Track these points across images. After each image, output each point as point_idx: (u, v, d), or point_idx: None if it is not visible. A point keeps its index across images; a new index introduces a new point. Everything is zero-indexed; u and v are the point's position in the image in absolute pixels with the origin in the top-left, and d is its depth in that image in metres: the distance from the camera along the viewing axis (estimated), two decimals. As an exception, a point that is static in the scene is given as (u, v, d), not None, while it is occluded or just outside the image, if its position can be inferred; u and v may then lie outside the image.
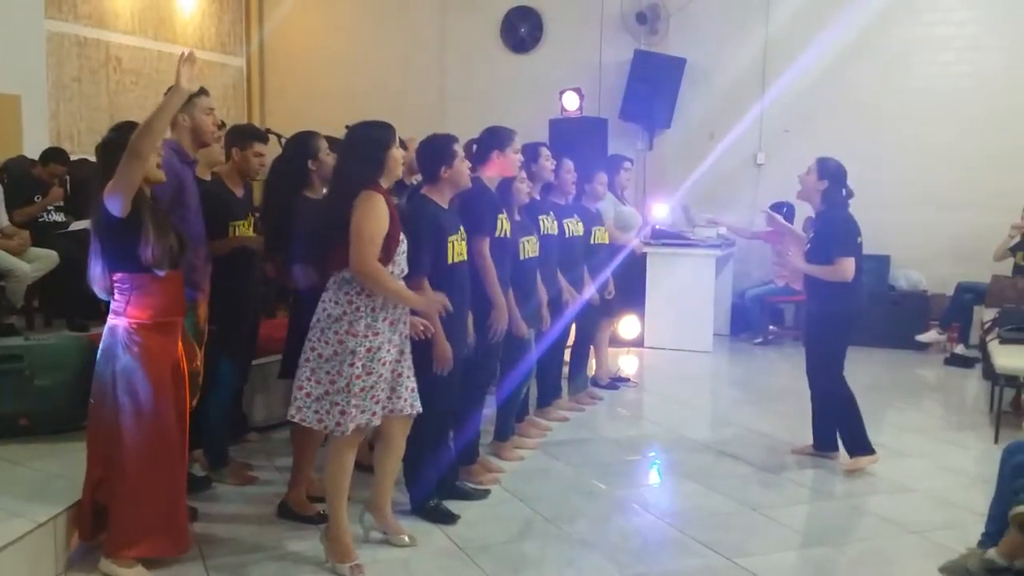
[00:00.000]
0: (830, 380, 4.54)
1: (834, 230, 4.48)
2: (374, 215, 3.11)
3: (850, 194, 4.56)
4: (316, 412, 3.19)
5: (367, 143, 3.23)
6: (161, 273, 3.08)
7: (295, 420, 3.26)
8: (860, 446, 4.53)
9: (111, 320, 3.11)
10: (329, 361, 3.16)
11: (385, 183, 3.24)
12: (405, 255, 3.28)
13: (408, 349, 3.34)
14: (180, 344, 3.25)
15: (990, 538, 3.30)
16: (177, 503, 3.24)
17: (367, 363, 3.15)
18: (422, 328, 3.43)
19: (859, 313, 4.58)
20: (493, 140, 4.16)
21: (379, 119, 3.33)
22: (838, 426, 4.63)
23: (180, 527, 3.25)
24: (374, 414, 3.20)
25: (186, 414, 3.28)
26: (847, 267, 4.41)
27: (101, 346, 3.14)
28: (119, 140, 3.04)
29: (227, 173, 4.18)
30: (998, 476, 3.38)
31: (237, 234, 4.05)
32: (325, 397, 3.16)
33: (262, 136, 4.31)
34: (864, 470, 4.52)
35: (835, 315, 4.50)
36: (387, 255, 3.14)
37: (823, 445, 4.74)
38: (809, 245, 4.61)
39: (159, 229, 3.05)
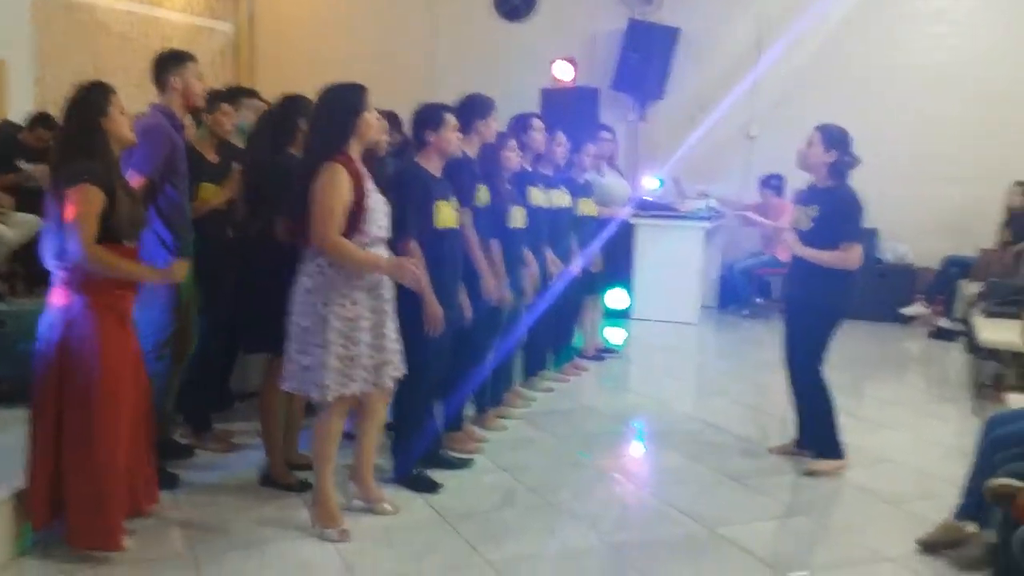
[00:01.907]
0: (809, 374, 4.17)
1: (845, 211, 4.02)
2: (333, 187, 3.07)
3: (856, 161, 4.10)
4: (301, 382, 3.21)
5: (337, 107, 3.18)
6: (130, 244, 3.01)
7: (287, 390, 3.30)
8: (832, 449, 4.19)
9: (67, 293, 2.93)
10: (308, 332, 3.16)
11: (356, 148, 3.20)
12: (386, 219, 3.26)
13: (393, 313, 3.33)
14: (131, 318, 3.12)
15: (966, 509, 3.34)
16: (117, 490, 3.03)
17: (349, 332, 3.16)
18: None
19: (850, 305, 4.15)
20: (474, 109, 4.13)
21: (355, 82, 3.24)
22: (810, 423, 4.28)
23: (135, 492, 3.14)
24: (349, 383, 3.19)
25: (145, 383, 3.21)
26: (855, 254, 3.99)
27: (50, 320, 2.96)
28: (84, 100, 2.97)
29: (199, 137, 4.16)
30: (977, 448, 3.42)
31: (200, 196, 3.99)
32: (314, 367, 3.17)
33: (227, 95, 4.27)
34: (830, 472, 4.14)
35: (825, 308, 4.09)
36: (353, 225, 3.12)
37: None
38: (812, 224, 4.09)
39: (131, 197, 3.00)
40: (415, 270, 3.26)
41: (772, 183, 8.03)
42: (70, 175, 2.87)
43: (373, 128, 3.25)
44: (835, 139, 4.07)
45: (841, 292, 4.06)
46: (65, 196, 2.86)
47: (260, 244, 3.64)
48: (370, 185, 3.21)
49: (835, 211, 4.04)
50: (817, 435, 4.24)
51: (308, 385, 3.19)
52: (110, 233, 2.92)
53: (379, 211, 3.23)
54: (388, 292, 3.30)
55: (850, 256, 3.99)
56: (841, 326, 4.11)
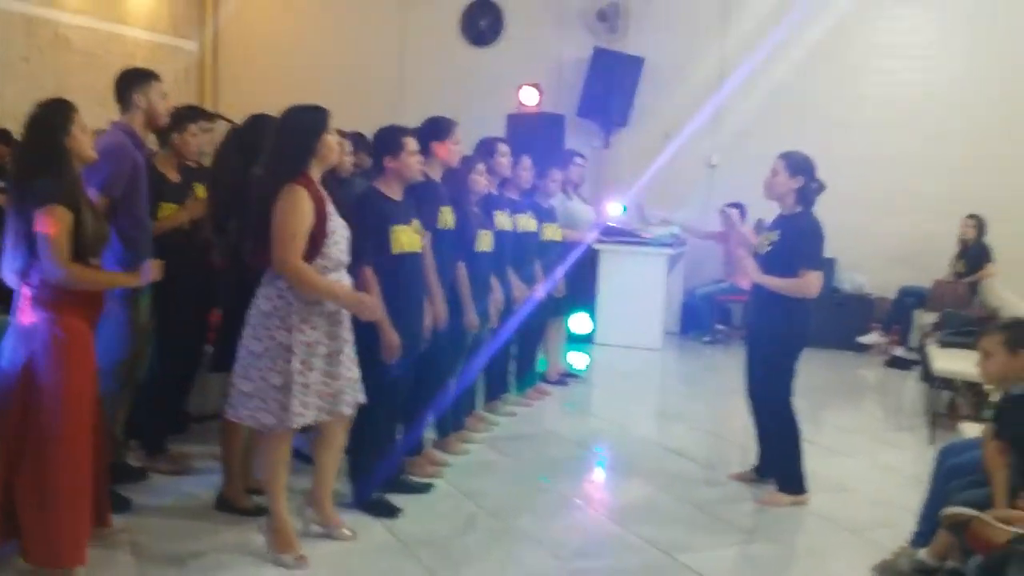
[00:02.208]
0: (777, 405, 4.12)
1: (805, 239, 3.99)
2: (295, 211, 3.02)
3: (821, 187, 4.09)
4: (249, 410, 3.13)
5: (298, 128, 3.14)
6: (95, 261, 2.99)
7: (231, 418, 3.23)
8: (794, 484, 4.14)
9: (31, 311, 2.90)
10: (261, 358, 3.10)
11: (317, 170, 3.16)
12: (346, 243, 3.23)
13: (351, 339, 3.30)
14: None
15: (921, 537, 3.38)
16: (81, 509, 2.98)
17: (306, 358, 3.11)
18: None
19: (808, 333, 4.10)
20: (433, 130, 4.12)
21: (317, 103, 3.21)
22: (779, 458, 4.20)
23: (81, 536, 3.00)
24: (305, 412, 3.13)
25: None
26: (813, 282, 3.95)
27: (14, 338, 2.93)
28: (46, 118, 2.94)
29: (161, 158, 4.10)
30: (932, 477, 3.47)
31: (160, 216, 3.94)
32: (258, 394, 3.10)
33: (195, 116, 4.22)
34: (785, 506, 4.10)
35: (784, 336, 4.04)
36: (314, 249, 3.08)
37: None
38: (770, 248, 4.08)
39: (94, 214, 2.97)
40: (374, 307, 3.24)
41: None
42: (39, 195, 2.86)
43: (334, 151, 3.21)
44: (799, 165, 4.05)
45: (799, 320, 4.02)
46: (34, 216, 2.85)
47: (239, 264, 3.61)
48: (330, 208, 3.18)
49: (794, 237, 4.01)
50: (781, 468, 4.20)
51: (254, 412, 3.10)
52: (76, 252, 2.90)
53: (340, 235, 3.20)
54: (346, 319, 3.26)
55: (806, 283, 3.94)
56: (801, 354, 4.11)
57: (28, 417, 2.91)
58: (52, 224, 2.84)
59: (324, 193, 3.18)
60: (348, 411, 3.31)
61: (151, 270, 3.16)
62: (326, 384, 3.18)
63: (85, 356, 2.99)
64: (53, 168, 2.91)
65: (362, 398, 3.34)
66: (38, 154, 2.93)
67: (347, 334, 3.27)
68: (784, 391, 4.11)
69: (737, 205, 8.10)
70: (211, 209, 3.89)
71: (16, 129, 7.45)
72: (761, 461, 4.38)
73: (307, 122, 3.15)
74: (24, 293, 2.93)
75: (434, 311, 4.04)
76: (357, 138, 4.88)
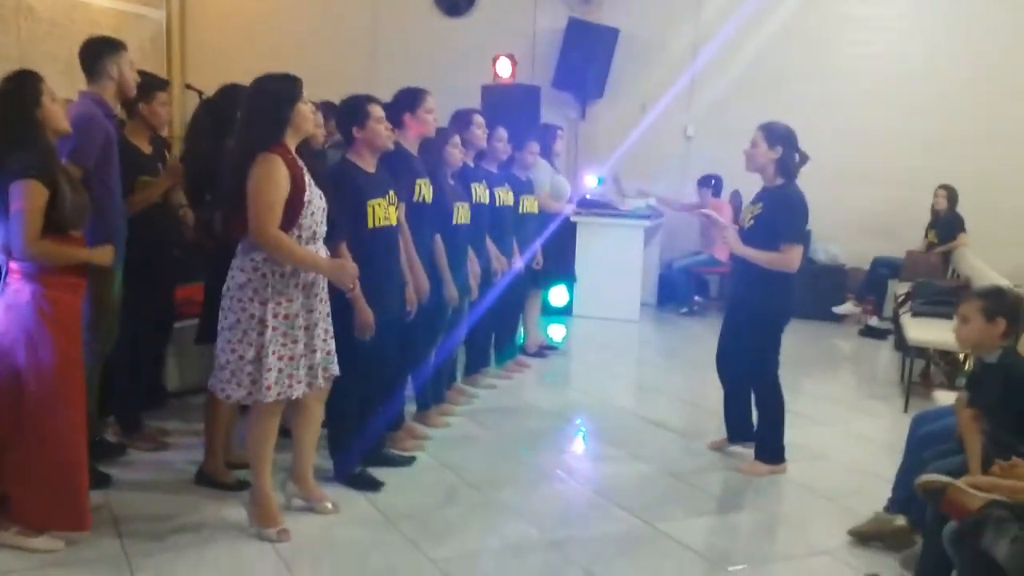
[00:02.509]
0: (764, 377, 4.13)
1: (788, 212, 3.97)
2: (270, 180, 2.97)
3: (804, 159, 4.06)
4: (224, 382, 3.10)
5: (270, 98, 3.07)
6: (76, 234, 2.97)
7: (211, 390, 3.22)
8: (774, 453, 4.17)
9: (16, 283, 2.93)
10: (232, 330, 3.06)
11: (292, 140, 3.10)
12: (322, 214, 3.18)
13: (327, 314, 3.27)
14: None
15: (896, 504, 3.44)
16: (82, 476, 3.07)
17: (286, 330, 3.08)
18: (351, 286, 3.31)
19: (791, 307, 4.12)
20: (403, 102, 4.05)
21: (288, 72, 3.15)
22: (762, 428, 4.22)
23: (83, 501, 3.08)
24: (294, 384, 3.12)
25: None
26: (794, 256, 3.94)
27: (10, 314, 2.94)
28: (16, 92, 2.90)
29: (131, 129, 4.02)
30: (906, 444, 3.52)
31: (138, 190, 3.87)
32: (234, 365, 3.07)
33: (162, 84, 4.14)
34: (763, 475, 4.13)
35: (768, 310, 4.04)
36: (290, 219, 3.03)
37: (739, 435, 4.38)
38: (753, 222, 4.05)
39: (73, 186, 2.92)
40: (355, 273, 3.21)
41: (709, 183, 8.16)
42: (14, 169, 2.83)
43: (308, 119, 3.15)
44: (778, 135, 4.00)
45: (783, 293, 4.02)
46: (7, 190, 2.82)
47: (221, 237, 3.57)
48: (308, 178, 3.12)
49: (777, 210, 3.99)
50: (763, 437, 4.22)
51: (231, 384, 3.08)
52: (56, 225, 2.88)
53: (316, 205, 3.14)
54: (323, 291, 3.23)
55: (788, 257, 3.93)
56: (786, 326, 4.13)
57: (22, 390, 2.92)
58: (23, 198, 2.81)
59: (301, 163, 3.13)
60: (324, 384, 3.29)
61: (102, 253, 3.11)
62: (305, 356, 3.16)
63: (73, 327, 3.00)
64: (27, 141, 2.88)
65: (336, 370, 3.32)
66: (10, 128, 2.89)
67: (323, 307, 3.24)
68: (771, 364, 4.12)
69: (712, 177, 8.15)
70: (187, 182, 3.83)
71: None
72: (728, 427, 4.40)
73: (280, 91, 3.08)
74: (11, 267, 2.93)
75: (415, 283, 4.01)
76: (328, 108, 4.81)
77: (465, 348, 5.30)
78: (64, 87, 3.89)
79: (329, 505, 3.50)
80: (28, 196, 2.81)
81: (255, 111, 3.07)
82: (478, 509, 3.68)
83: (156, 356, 4.51)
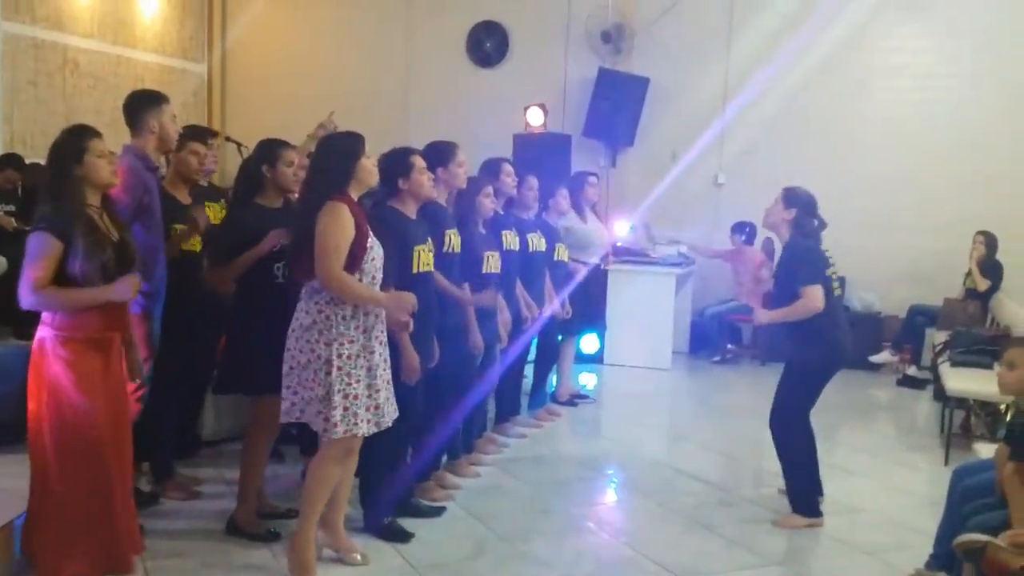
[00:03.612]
0: (781, 425, 4.15)
1: (794, 260, 4.09)
2: (336, 225, 3.13)
3: (822, 225, 4.19)
4: (303, 413, 3.21)
5: (336, 154, 3.27)
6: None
7: (285, 421, 3.30)
8: (810, 507, 4.14)
9: (39, 332, 3.02)
10: (306, 369, 3.17)
11: (355, 192, 3.28)
12: (379, 263, 3.28)
13: (386, 358, 3.33)
14: (122, 360, 3.14)
15: (937, 560, 3.35)
16: (112, 518, 3.08)
17: (350, 370, 3.16)
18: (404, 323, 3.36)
19: (837, 359, 4.12)
20: (434, 157, 4.10)
21: (351, 130, 3.39)
22: (787, 476, 4.21)
23: (118, 543, 3.10)
24: (359, 422, 3.18)
25: (127, 429, 3.19)
26: (814, 296, 3.96)
27: (32, 359, 3.04)
28: (60, 147, 3.00)
29: (169, 179, 4.12)
30: (947, 498, 3.43)
31: (172, 238, 3.95)
32: (310, 403, 3.18)
33: (197, 134, 4.23)
34: (799, 528, 4.09)
35: (809, 360, 4.07)
36: (353, 263, 3.16)
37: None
38: (773, 283, 4.23)
39: (93, 244, 2.97)
40: (409, 307, 3.27)
41: (744, 230, 8.13)
42: (36, 220, 2.96)
43: (371, 174, 3.34)
44: (795, 198, 4.16)
45: (815, 342, 4.02)
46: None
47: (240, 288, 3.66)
48: (369, 226, 3.26)
49: (786, 264, 4.13)
50: (791, 487, 4.19)
51: (313, 418, 3.19)
52: (70, 278, 2.93)
53: (377, 252, 3.27)
54: (382, 335, 3.31)
55: (806, 302, 3.96)
56: (828, 376, 4.11)
57: (52, 437, 2.97)
58: (30, 248, 2.92)
59: (362, 211, 3.28)
60: (390, 423, 3.35)
61: (129, 286, 3.10)
62: (370, 397, 3.23)
63: (101, 376, 3.02)
64: (55, 195, 2.97)
65: (396, 413, 3.37)
66: (47, 181, 3.00)
67: (382, 349, 3.31)
68: (791, 407, 4.12)
69: (747, 224, 8.12)
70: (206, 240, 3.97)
71: (25, 153, 7.52)
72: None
73: (346, 147, 3.29)
74: (41, 319, 3.01)
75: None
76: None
77: (495, 396, 5.28)
78: (109, 140, 3.99)
79: (359, 556, 3.48)
80: (37, 246, 2.92)
81: (323, 165, 3.27)
82: (507, 561, 3.64)
83: (193, 404, 4.54)
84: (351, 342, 3.17)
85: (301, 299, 3.24)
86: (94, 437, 3.00)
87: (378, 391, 3.26)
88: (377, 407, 3.26)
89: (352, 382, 3.17)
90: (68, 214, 2.96)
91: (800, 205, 4.14)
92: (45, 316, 3.00)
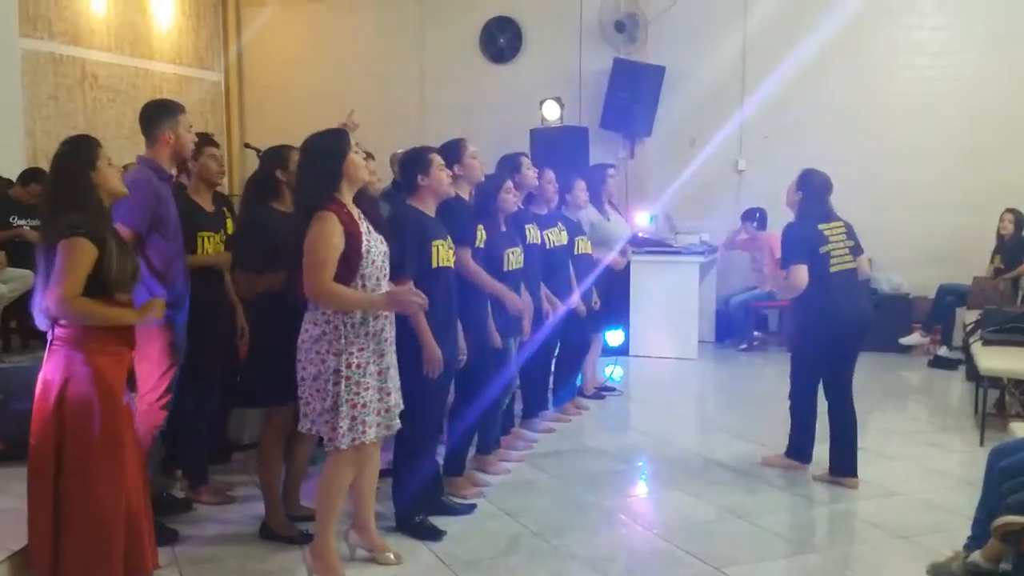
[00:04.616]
0: (790, 382, 4.53)
1: (784, 240, 4.38)
2: (322, 238, 3.07)
3: (824, 212, 4.40)
4: (314, 423, 3.21)
5: (321, 156, 3.19)
6: (123, 297, 2.96)
7: (303, 431, 3.30)
8: (798, 452, 4.60)
9: (59, 349, 2.88)
10: (316, 380, 3.16)
11: (348, 192, 3.21)
12: (383, 259, 3.25)
13: (394, 358, 3.32)
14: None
15: (976, 541, 3.30)
16: (135, 531, 3.00)
17: (358, 379, 3.14)
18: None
19: (835, 327, 4.33)
20: (446, 157, 4.06)
21: (334, 127, 3.31)
22: (793, 429, 4.62)
23: (137, 552, 3.02)
24: (367, 429, 3.17)
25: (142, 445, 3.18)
26: (796, 275, 4.26)
27: (47, 378, 2.90)
28: (72, 154, 2.96)
29: (193, 187, 4.15)
30: (984, 479, 3.38)
31: (206, 246, 4.01)
32: (321, 415, 3.17)
33: (209, 139, 4.25)
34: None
35: (805, 325, 4.44)
36: (350, 272, 3.12)
37: (836, 469, 4.46)
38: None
39: (121, 249, 2.94)
40: (414, 298, 3.19)
41: (754, 216, 8.08)
42: (64, 228, 2.85)
43: (361, 168, 3.24)
44: (807, 183, 4.43)
45: (814, 312, 4.32)
46: (57, 249, 2.83)
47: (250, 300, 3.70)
48: (364, 227, 3.20)
49: (781, 244, 4.46)
50: (794, 438, 4.59)
51: (322, 427, 3.19)
52: (102, 287, 2.87)
53: (376, 252, 3.22)
54: (391, 335, 3.29)
55: (792, 279, 4.28)
56: (822, 355, 4.35)
57: (64, 458, 2.89)
58: (67, 254, 2.80)
59: (358, 213, 3.21)
60: (399, 423, 3.35)
61: (155, 309, 3.04)
62: (381, 401, 3.23)
63: (118, 395, 2.95)
64: (79, 202, 2.91)
65: (401, 406, 3.36)
66: (65, 190, 2.93)
67: (392, 350, 3.30)
68: (800, 377, 4.47)
69: (757, 210, 8.07)
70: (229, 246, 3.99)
71: (47, 167, 7.57)
72: (831, 460, 4.47)
73: (329, 146, 3.21)
74: (55, 332, 2.91)
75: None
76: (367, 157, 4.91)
77: (522, 392, 5.27)
78: (130, 153, 4.06)
79: (392, 556, 3.49)
80: (73, 252, 2.81)
81: (308, 171, 3.21)
82: (542, 557, 3.63)
83: (223, 410, 4.57)
84: (361, 350, 3.15)
85: (307, 311, 3.20)
86: (122, 450, 2.95)
87: (388, 394, 3.26)
88: (388, 410, 3.26)
89: (361, 391, 3.15)
90: (98, 220, 2.92)
91: (807, 189, 4.41)
92: (66, 335, 2.88)
